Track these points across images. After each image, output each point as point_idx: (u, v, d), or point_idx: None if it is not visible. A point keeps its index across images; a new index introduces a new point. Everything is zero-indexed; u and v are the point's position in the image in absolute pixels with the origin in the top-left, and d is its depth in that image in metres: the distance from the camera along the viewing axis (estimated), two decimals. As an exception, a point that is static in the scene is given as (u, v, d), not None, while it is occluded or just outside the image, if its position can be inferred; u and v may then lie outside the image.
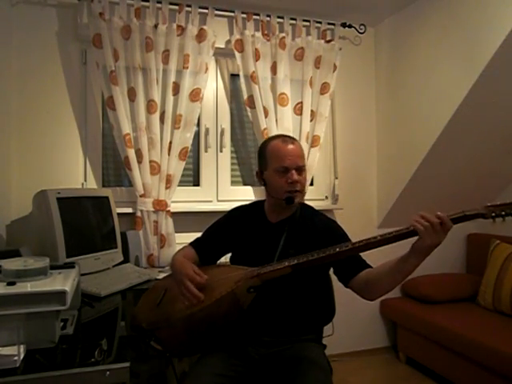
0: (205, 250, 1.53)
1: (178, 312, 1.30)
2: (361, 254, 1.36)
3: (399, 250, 1.21)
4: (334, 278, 1.61)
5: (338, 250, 1.21)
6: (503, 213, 1.09)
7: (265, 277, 1.27)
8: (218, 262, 1.59)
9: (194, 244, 1.57)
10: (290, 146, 1.42)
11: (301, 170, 1.41)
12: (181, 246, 1.61)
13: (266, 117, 2.45)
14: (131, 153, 2.24)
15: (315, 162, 2.58)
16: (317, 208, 1.56)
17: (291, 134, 2.48)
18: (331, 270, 1.45)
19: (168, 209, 2.31)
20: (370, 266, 1.35)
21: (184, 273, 1.33)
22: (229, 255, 1.57)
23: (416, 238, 1.13)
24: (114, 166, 2.47)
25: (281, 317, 1.39)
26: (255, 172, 1.53)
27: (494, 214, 1.10)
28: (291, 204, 1.41)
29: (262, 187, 1.50)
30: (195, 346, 1.34)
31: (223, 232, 1.54)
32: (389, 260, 1.24)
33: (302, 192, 1.43)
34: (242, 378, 1.32)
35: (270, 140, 1.49)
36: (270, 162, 1.43)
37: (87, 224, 1.91)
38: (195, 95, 2.34)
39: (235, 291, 1.27)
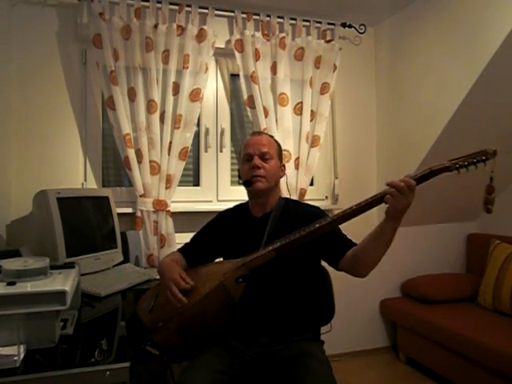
0: (193, 255, 1.52)
1: (169, 312, 1.30)
2: (349, 237, 1.40)
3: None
4: (333, 277, 1.61)
5: (317, 225, 1.24)
6: (466, 163, 1.14)
7: (250, 264, 1.28)
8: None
9: (182, 250, 1.57)
10: (256, 137, 1.50)
11: (265, 157, 1.45)
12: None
13: (266, 117, 2.45)
14: (131, 153, 2.24)
15: (315, 162, 2.57)
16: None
17: (291, 134, 2.50)
18: (324, 263, 1.45)
19: (168, 209, 2.31)
20: (356, 244, 1.36)
21: (169, 277, 1.34)
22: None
23: None
24: (114, 166, 2.47)
25: (276, 316, 1.38)
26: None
27: (457, 165, 1.15)
28: (249, 187, 1.45)
29: None
30: (191, 349, 1.34)
31: (210, 235, 1.55)
32: (369, 232, 1.26)
33: (267, 178, 1.44)
34: (240, 375, 1.32)
35: None
36: (241, 156, 1.51)
37: (87, 224, 1.91)
38: (195, 95, 2.34)
39: (224, 283, 1.28)
